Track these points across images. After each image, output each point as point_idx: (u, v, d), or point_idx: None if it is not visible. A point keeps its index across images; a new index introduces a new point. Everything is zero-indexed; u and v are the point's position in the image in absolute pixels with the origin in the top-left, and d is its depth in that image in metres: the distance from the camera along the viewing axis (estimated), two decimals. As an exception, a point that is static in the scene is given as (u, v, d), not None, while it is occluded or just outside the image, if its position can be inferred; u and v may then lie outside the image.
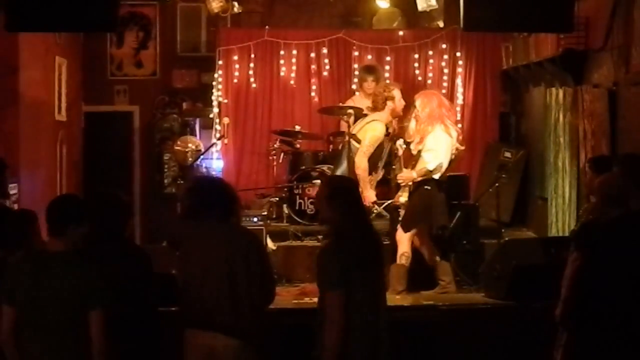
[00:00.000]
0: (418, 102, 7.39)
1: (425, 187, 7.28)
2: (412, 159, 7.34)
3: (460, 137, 7.51)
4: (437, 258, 7.47)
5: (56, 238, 4.08)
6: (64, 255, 4.04)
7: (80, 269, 4.02)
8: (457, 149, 7.39)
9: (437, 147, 7.20)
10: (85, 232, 4.13)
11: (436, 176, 7.22)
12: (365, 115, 9.12)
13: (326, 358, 4.19)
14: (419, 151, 7.27)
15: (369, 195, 7.58)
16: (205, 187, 4.65)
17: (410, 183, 7.31)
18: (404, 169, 7.36)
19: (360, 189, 7.33)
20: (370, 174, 7.81)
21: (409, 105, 7.61)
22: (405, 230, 7.35)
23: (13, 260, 4.33)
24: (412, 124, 7.44)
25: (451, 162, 7.37)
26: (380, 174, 7.98)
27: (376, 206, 7.83)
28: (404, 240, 7.37)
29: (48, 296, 3.95)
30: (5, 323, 4.05)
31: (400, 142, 7.60)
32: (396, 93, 7.75)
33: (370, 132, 7.80)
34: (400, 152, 7.49)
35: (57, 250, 4.06)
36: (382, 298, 4.47)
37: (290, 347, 5.92)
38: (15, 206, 7.54)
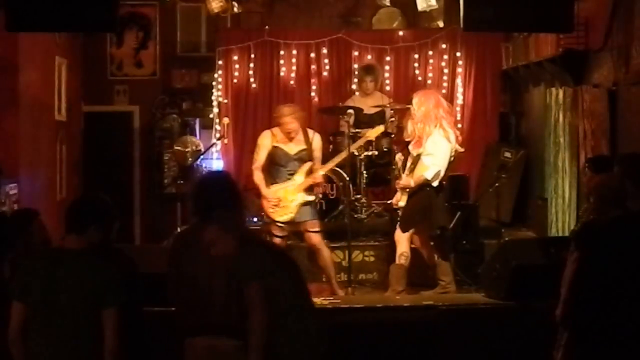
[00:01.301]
0: (415, 101, 7.41)
1: (426, 188, 7.30)
2: (411, 162, 7.34)
3: (460, 139, 7.51)
4: (437, 258, 7.47)
5: (74, 236, 4.07)
6: (80, 253, 4.03)
7: (96, 267, 4.02)
8: (456, 151, 7.40)
9: (436, 152, 7.21)
10: (104, 234, 4.12)
11: (435, 184, 7.27)
12: (367, 114, 9.21)
13: (255, 343, 4.20)
14: (418, 154, 7.28)
15: (266, 193, 7.61)
16: (207, 189, 4.62)
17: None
18: (403, 176, 7.38)
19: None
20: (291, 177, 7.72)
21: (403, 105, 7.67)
22: (404, 230, 7.36)
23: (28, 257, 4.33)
24: (410, 125, 7.45)
25: (450, 163, 7.39)
26: (323, 167, 7.83)
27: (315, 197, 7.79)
28: (402, 240, 7.38)
29: (63, 293, 3.94)
30: (15, 320, 4.03)
31: (398, 155, 7.81)
32: (285, 119, 7.61)
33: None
34: (399, 165, 7.58)
35: (73, 248, 4.06)
36: (305, 299, 4.46)
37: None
38: (15, 206, 7.55)
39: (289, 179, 7.68)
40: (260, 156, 7.72)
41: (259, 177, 7.70)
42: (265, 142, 7.73)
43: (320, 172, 7.75)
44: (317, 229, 7.71)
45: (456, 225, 7.86)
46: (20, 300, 4.01)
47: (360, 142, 8.23)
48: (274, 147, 7.70)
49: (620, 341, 4.30)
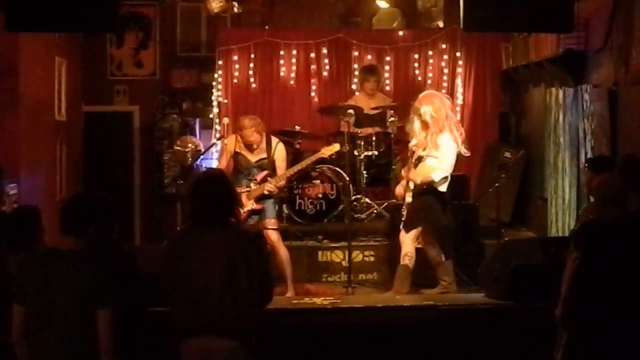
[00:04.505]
0: (419, 107, 7.31)
1: (429, 190, 7.29)
2: (414, 159, 7.31)
3: (464, 136, 7.46)
4: (442, 258, 7.46)
5: (69, 236, 4.07)
6: (74, 254, 4.03)
7: (90, 267, 4.01)
8: (461, 153, 7.36)
9: (442, 156, 7.18)
10: (99, 234, 4.11)
11: (442, 188, 7.24)
12: (367, 114, 9.21)
13: None
14: (420, 156, 7.25)
15: None
16: (203, 190, 4.62)
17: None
18: (411, 170, 7.32)
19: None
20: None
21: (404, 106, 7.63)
22: (407, 230, 7.34)
23: (23, 258, 4.33)
24: (415, 125, 7.38)
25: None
26: (276, 179, 7.80)
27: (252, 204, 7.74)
28: (407, 241, 7.35)
29: (58, 294, 3.94)
30: (16, 322, 4.03)
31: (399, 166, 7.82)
32: (246, 131, 7.67)
33: None
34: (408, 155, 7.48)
35: (68, 248, 4.05)
36: None
37: (289, 347, 5.92)
38: (15, 207, 7.54)
39: (248, 186, 7.73)
40: (222, 161, 7.88)
41: None
42: (229, 147, 7.84)
43: (272, 185, 7.69)
44: (274, 227, 7.73)
45: (456, 225, 7.85)
46: (19, 303, 4.02)
47: (314, 157, 8.09)
48: (236, 153, 7.78)
49: (619, 341, 4.29)
